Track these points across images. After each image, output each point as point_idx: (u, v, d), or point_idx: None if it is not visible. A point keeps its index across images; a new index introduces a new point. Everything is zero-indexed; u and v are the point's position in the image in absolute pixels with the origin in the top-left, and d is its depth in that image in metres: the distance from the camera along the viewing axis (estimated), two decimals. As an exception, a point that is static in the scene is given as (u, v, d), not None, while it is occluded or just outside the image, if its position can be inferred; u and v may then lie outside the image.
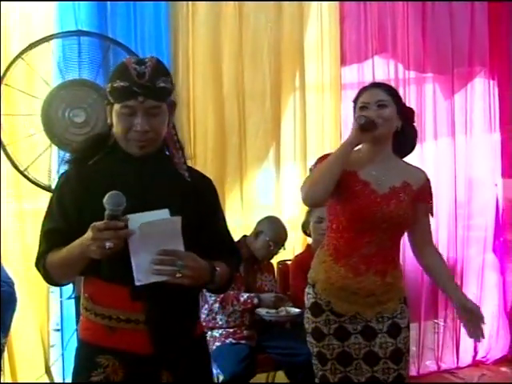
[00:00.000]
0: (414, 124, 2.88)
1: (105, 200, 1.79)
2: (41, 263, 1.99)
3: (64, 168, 2.13)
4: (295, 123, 4.59)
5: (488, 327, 5.09)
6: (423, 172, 2.87)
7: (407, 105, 2.97)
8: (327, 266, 2.78)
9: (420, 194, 2.77)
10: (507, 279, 5.27)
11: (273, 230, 4.02)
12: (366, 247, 2.70)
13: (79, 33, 3.59)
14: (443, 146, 4.99)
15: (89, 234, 1.81)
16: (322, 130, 4.66)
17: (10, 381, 3.74)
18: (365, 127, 2.62)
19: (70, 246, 1.90)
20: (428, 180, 2.83)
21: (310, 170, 2.89)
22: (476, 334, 2.71)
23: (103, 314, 1.97)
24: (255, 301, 3.80)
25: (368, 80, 4.70)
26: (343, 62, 4.73)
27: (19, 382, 3.79)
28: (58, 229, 1.97)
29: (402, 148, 2.82)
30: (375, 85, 2.88)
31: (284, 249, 4.10)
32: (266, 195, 4.58)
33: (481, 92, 5.16)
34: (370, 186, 2.70)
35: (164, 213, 1.85)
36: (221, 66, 4.39)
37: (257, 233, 4.04)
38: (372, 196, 2.69)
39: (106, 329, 1.96)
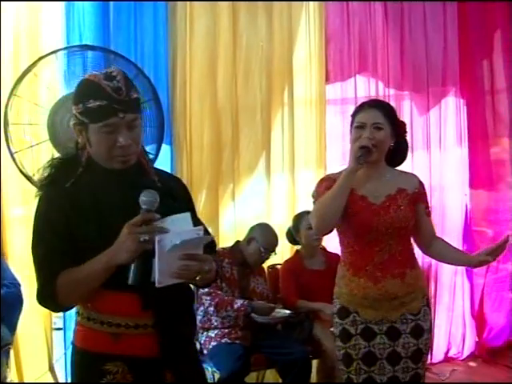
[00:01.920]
0: (406, 136, 2.80)
1: (140, 198, 1.70)
2: (48, 291, 1.77)
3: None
4: (284, 135, 4.49)
5: (459, 327, 5.07)
6: (416, 176, 2.80)
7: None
8: (347, 280, 2.68)
9: (417, 196, 2.69)
10: (474, 284, 5.20)
11: (264, 237, 3.87)
12: (377, 256, 2.61)
13: (85, 47, 3.44)
14: (419, 158, 4.92)
15: (123, 232, 1.69)
16: (308, 142, 4.56)
17: (16, 377, 3.59)
18: (361, 159, 2.52)
19: (89, 262, 1.74)
20: (421, 183, 2.76)
21: (313, 196, 2.73)
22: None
23: (110, 321, 1.81)
24: (248, 309, 3.64)
25: (350, 96, 4.68)
26: (328, 79, 4.66)
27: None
28: (57, 252, 1.77)
29: (395, 159, 2.74)
30: (373, 105, 2.72)
31: (275, 254, 3.95)
32: (257, 202, 4.44)
33: (453, 109, 5.12)
34: (367, 200, 2.62)
35: (186, 216, 1.76)
36: (216, 82, 4.29)
37: (249, 239, 3.89)
38: (370, 208, 2.61)
39: (111, 336, 1.81)
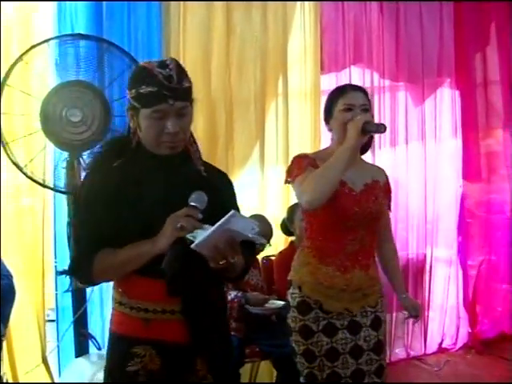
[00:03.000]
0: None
1: (190, 197, 1.76)
2: (83, 265, 1.85)
3: (88, 167, 2.03)
4: (278, 127, 4.45)
5: (453, 318, 5.07)
6: (383, 169, 2.77)
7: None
8: (313, 268, 2.59)
9: (386, 189, 2.69)
10: (468, 275, 5.20)
11: (258, 228, 3.81)
12: (350, 245, 2.55)
13: (78, 36, 3.37)
14: (414, 149, 4.91)
15: (166, 223, 1.75)
16: (302, 133, 4.52)
17: (9, 369, 3.54)
18: (370, 128, 2.41)
19: (132, 245, 1.81)
20: (387, 177, 2.73)
21: (288, 171, 2.56)
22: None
23: (139, 306, 1.87)
24: (242, 301, 3.61)
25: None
26: (322, 70, 4.62)
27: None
28: (97, 228, 1.84)
29: (364, 147, 2.64)
30: (356, 88, 2.66)
31: (270, 245, 3.92)
32: (251, 194, 4.39)
33: (448, 101, 5.11)
34: (347, 185, 2.54)
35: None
36: (210, 73, 4.23)
37: (242, 231, 3.84)
38: (351, 194, 2.54)
39: (141, 321, 1.87)
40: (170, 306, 1.85)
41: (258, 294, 3.75)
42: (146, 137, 1.86)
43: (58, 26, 3.67)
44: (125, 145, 1.92)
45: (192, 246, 1.67)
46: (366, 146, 2.67)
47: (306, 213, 2.65)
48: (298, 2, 4.48)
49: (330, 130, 2.61)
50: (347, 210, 2.51)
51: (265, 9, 4.36)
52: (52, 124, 3.23)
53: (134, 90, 1.82)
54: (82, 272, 1.89)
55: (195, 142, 1.99)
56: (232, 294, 3.60)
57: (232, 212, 1.69)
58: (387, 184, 2.71)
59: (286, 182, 2.57)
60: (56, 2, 3.68)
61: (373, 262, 2.64)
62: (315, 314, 2.56)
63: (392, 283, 2.82)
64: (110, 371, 1.95)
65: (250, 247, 2.01)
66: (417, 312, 2.80)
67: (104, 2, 3.79)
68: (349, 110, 2.52)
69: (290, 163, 2.59)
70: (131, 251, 1.80)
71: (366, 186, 2.58)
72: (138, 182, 1.85)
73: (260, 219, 3.91)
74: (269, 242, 3.88)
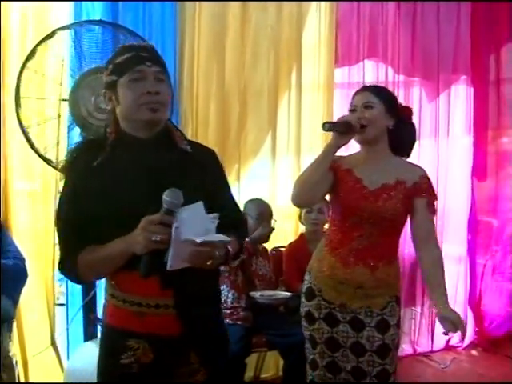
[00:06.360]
0: (412, 122, 2.77)
1: (164, 195, 1.68)
2: (68, 265, 1.88)
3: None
4: (290, 118, 4.50)
5: (461, 315, 5.10)
6: (421, 169, 2.70)
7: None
8: (321, 256, 2.73)
9: (416, 190, 2.61)
10: (476, 274, 5.27)
11: (255, 209, 3.92)
12: (356, 241, 2.62)
13: (95, 22, 3.43)
14: (426, 145, 4.95)
15: (140, 225, 1.71)
16: (314, 125, 4.56)
17: (19, 350, 3.60)
18: (339, 130, 2.53)
19: (109, 244, 1.80)
20: (424, 176, 2.65)
21: None
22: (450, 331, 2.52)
23: (132, 301, 1.87)
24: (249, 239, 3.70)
25: (358, 81, 4.68)
26: (336, 63, 4.66)
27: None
28: (79, 228, 1.84)
29: (399, 146, 2.70)
30: (365, 88, 2.77)
31: (273, 229, 3.95)
32: (262, 184, 4.46)
33: (462, 98, 5.14)
34: (362, 182, 2.62)
35: (199, 206, 1.72)
36: (224, 63, 4.29)
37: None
38: (362, 191, 2.61)
39: (135, 314, 1.87)
40: (164, 300, 1.85)
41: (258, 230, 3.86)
42: (125, 106, 1.86)
43: (74, 17, 3.74)
44: (101, 143, 1.90)
45: (168, 269, 1.67)
46: (402, 143, 2.70)
47: (331, 206, 2.82)
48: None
49: None
50: (352, 206, 2.60)
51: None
52: (80, 108, 3.28)
53: (110, 66, 1.88)
54: (68, 273, 1.90)
55: (176, 127, 2.01)
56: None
57: (175, 225, 1.65)
58: (420, 184, 2.62)
59: None
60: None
61: (385, 264, 2.62)
62: (317, 302, 2.68)
63: (430, 293, 2.68)
64: (103, 362, 1.96)
65: (239, 226, 2.02)
66: (455, 327, 2.50)
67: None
68: (354, 111, 2.64)
69: None
70: (109, 250, 1.79)
71: (384, 185, 2.61)
72: (119, 177, 1.84)
73: (256, 201, 4.01)
74: (267, 220, 3.93)
